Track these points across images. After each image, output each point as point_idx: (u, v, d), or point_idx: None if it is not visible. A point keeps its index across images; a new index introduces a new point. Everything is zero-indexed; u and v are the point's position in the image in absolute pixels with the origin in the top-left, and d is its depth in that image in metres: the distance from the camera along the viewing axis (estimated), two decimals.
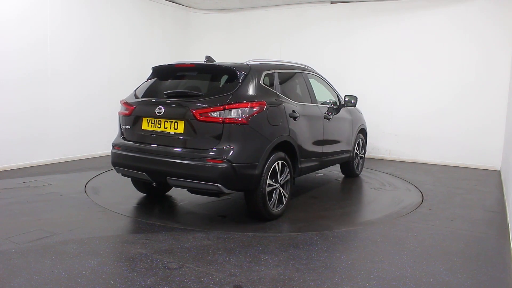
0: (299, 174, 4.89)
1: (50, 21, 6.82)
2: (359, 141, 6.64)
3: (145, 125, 4.32)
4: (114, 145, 4.62)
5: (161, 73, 4.74)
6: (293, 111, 4.66)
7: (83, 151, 7.49)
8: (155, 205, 4.98)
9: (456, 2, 7.86)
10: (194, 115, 3.97)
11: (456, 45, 7.89)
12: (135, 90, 4.76)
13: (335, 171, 6.99)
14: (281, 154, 4.38)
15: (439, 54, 8.03)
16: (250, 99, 4.15)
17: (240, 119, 3.96)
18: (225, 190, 3.97)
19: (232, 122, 3.94)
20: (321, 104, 5.74)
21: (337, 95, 6.14)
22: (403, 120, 8.41)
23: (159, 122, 4.21)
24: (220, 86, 4.38)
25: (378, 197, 5.62)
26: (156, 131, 4.23)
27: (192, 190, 4.32)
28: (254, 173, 4.03)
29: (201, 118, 3.94)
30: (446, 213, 4.87)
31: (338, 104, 6.07)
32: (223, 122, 3.92)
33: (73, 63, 7.26)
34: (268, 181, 4.20)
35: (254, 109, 4.09)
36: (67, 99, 7.19)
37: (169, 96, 4.34)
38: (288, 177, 4.54)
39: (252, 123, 4.05)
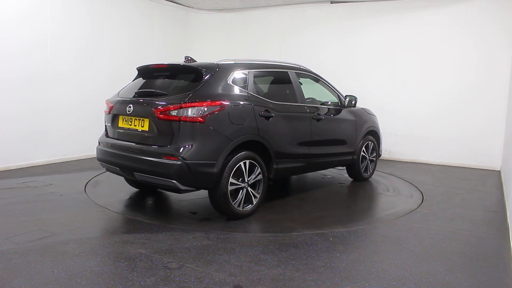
0: (276, 175, 4.84)
1: (50, 21, 6.82)
2: (367, 144, 6.35)
3: (121, 122, 4.55)
4: (99, 142, 4.90)
5: (143, 73, 4.94)
6: (266, 111, 4.62)
7: (83, 151, 7.49)
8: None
9: (456, 2, 7.86)
10: (155, 113, 4.11)
11: (456, 45, 7.89)
12: (120, 90, 4.94)
13: (346, 174, 6.64)
14: (249, 153, 4.38)
15: (439, 54, 8.03)
16: (211, 98, 4.19)
17: (196, 117, 4.03)
18: (181, 187, 4.05)
19: (188, 120, 4.02)
20: (320, 105, 5.70)
21: (338, 95, 5.96)
22: (403, 120, 8.41)
23: (130, 120, 4.42)
24: (185, 85, 4.43)
25: (370, 204, 5.50)
26: (128, 128, 4.45)
27: (157, 186, 4.48)
28: (211, 171, 4.07)
29: (161, 116, 4.08)
30: (446, 213, 4.87)
31: (339, 105, 5.91)
32: (179, 120, 4.01)
33: (73, 63, 7.27)
34: (232, 180, 4.22)
35: (213, 108, 4.12)
36: (67, 99, 7.20)
37: (139, 95, 4.53)
38: (260, 177, 4.52)
39: (210, 121, 4.09)
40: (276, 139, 4.72)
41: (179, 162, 3.95)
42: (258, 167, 4.48)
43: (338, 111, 5.84)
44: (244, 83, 4.61)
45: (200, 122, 4.04)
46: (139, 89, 4.64)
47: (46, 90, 6.86)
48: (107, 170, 4.83)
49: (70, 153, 7.33)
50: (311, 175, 6.83)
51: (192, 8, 9.93)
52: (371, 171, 6.58)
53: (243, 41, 9.84)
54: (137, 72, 5.02)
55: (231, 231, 4.05)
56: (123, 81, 7.92)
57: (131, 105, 4.39)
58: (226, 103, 4.24)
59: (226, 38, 10.02)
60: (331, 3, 8.92)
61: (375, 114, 6.78)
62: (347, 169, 6.44)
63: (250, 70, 4.73)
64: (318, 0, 8.98)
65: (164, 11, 9.28)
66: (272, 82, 5.34)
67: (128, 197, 5.24)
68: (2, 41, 6.20)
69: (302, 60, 8.75)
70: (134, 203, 5.08)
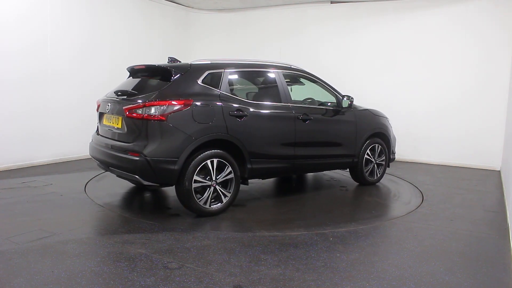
0: (253, 175, 4.84)
1: (50, 21, 6.82)
2: (373, 146, 6.05)
3: (105, 120, 4.82)
4: (91, 138, 5.15)
5: (131, 73, 5.15)
6: (239, 110, 4.62)
7: (83, 151, 7.46)
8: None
9: (456, 2, 7.87)
10: (124, 112, 4.32)
11: (456, 45, 7.89)
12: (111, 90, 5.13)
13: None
14: (218, 152, 4.43)
15: (439, 54, 8.04)
16: (174, 97, 4.28)
17: (158, 116, 4.16)
18: (144, 182, 4.22)
19: (151, 118, 4.17)
20: (319, 105, 5.62)
21: (336, 96, 5.73)
22: (403, 120, 8.40)
23: (110, 118, 4.67)
24: (156, 85, 4.57)
25: (355, 208, 5.23)
26: (109, 126, 4.69)
27: (129, 181, 4.76)
28: (172, 168, 4.17)
29: (129, 114, 4.29)
30: (446, 213, 4.87)
31: (336, 105, 5.71)
32: (143, 118, 4.18)
33: (73, 63, 7.27)
34: (197, 177, 4.29)
35: (175, 107, 4.23)
36: (67, 99, 7.20)
37: (116, 94, 4.76)
38: (231, 176, 4.53)
39: (172, 120, 4.20)
40: (251, 138, 4.70)
41: (141, 158, 4.12)
42: (228, 166, 4.51)
43: (333, 112, 5.63)
44: (217, 83, 4.65)
45: (161, 120, 4.17)
46: (117, 89, 4.86)
47: (46, 90, 6.86)
48: (98, 166, 4.98)
49: (70, 153, 7.33)
50: (315, 176, 6.80)
51: (192, 8, 9.93)
52: (378, 175, 6.23)
53: (243, 41, 9.84)
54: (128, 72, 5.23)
55: (188, 228, 4.09)
56: (123, 81, 7.95)
57: (109, 104, 4.66)
58: (189, 102, 4.31)
59: (226, 38, 10.02)
60: (331, 3, 8.92)
61: (386, 116, 6.47)
62: (350, 172, 6.19)
63: (225, 70, 4.76)
64: (318, 0, 8.98)
65: (164, 11, 9.28)
66: (253, 82, 5.33)
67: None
68: (2, 41, 6.20)
69: (302, 60, 8.76)
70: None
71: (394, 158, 6.60)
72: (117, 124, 4.49)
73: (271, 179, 6.40)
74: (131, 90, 4.66)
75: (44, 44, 6.76)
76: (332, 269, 3.22)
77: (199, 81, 4.53)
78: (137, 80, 4.91)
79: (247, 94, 5.09)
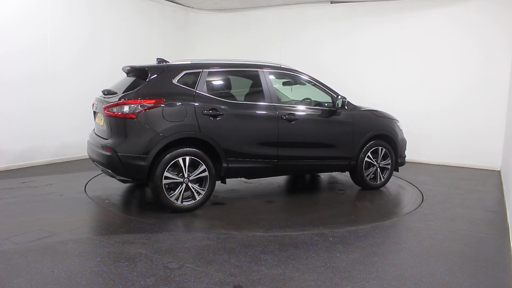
0: (230, 175, 4.86)
1: (50, 21, 6.82)
2: (376, 149, 5.75)
3: (97, 119, 5.06)
4: (89, 136, 5.29)
5: (126, 73, 5.29)
6: (213, 110, 4.65)
7: (83, 151, 7.44)
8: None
9: (456, 2, 7.86)
10: (103, 110, 4.55)
11: (456, 45, 7.89)
12: None
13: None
14: (190, 150, 4.52)
15: (439, 54, 8.03)
16: (147, 96, 4.47)
17: (130, 114, 4.38)
18: (116, 176, 4.50)
19: (123, 116, 4.39)
20: (315, 105, 5.48)
21: (331, 96, 5.50)
22: (403, 120, 8.31)
23: (99, 117, 4.92)
24: (133, 85, 4.72)
25: (338, 210, 4.97)
26: (99, 124, 4.94)
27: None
28: (141, 164, 4.35)
29: (106, 113, 4.51)
30: (446, 213, 4.87)
31: (332, 106, 5.46)
32: (116, 116, 4.42)
33: (73, 63, 7.27)
34: (167, 174, 4.42)
35: (145, 106, 4.41)
36: (67, 99, 7.19)
37: (104, 94, 4.96)
38: (205, 174, 4.58)
39: (142, 118, 4.39)
40: (226, 137, 4.71)
41: (112, 154, 4.37)
42: (202, 164, 4.56)
43: (326, 112, 5.42)
44: (193, 83, 4.75)
45: (132, 118, 4.36)
46: (105, 89, 5.03)
47: (46, 90, 6.86)
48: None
49: (70, 153, 7.32)
50: (320, 178, 6.73)
51: (192, 8, 9.93)
52: (382, 179, 5.88)
53: (243, 41, 9.83)
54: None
55: (163, 223, 4.16)
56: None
57: (97, 103, 4.92)
58: (160, 101, 4.46)
59: (226, 38, 10.02)
60: (331, 3, 8.91)
61: (395, 118, 6.19)
62: (350, 175, 5.91)
63: (204, 70, 4.84)
64: (318, 0, 8.98)
65: (164, 11, 9.27)
66: (235, 82, 5.33)
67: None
68: (2, 41, 6.20)
69: (302, 60, 8.78)
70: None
71: (404, 163, 6.20)
72: (101, 121, 4.73)
73: (275, 180, 6.39)
74: (115, 89, 4.85)
75: (44, 44, 6.76)
76: (332, 269, 3.22)
77: (174, 81, 4.68)
78: (125, 80, 5.07)
79: (227, 93, 5.10)
